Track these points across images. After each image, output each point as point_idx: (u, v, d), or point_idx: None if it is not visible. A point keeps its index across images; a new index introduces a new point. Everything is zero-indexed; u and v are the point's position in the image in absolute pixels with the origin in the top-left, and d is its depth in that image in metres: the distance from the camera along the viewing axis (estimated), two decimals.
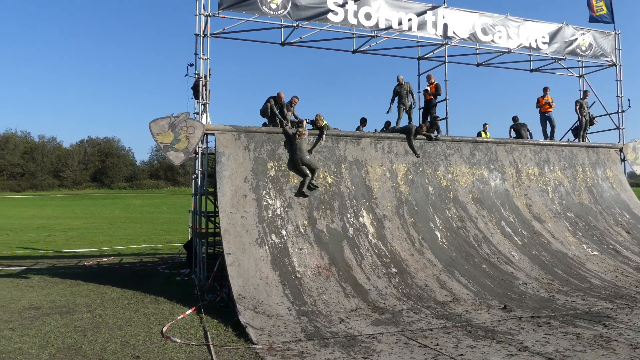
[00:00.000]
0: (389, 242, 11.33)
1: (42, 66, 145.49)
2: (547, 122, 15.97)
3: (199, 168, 12.02)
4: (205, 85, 12.09)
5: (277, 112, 12.41)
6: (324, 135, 12.27)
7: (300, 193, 11.48)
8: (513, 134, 15.80)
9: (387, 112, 14.41)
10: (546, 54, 16.08)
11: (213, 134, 11.54)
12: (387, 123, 15.03)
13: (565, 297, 10.06)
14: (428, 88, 14.96)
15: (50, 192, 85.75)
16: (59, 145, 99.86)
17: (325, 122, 12.51)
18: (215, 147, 11.47)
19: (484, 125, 16.88)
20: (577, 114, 16.37)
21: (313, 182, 11.69)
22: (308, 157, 11.84)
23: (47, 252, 18.69)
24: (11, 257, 17.03)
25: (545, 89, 15.99)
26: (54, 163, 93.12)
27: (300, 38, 13.89)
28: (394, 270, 10.58)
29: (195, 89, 12.26)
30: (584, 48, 16.39)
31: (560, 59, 16.60)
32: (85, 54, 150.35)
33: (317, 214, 11.37)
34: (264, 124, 12.67)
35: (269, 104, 12.40)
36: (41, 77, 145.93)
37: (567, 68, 17.49)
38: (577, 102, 16.51)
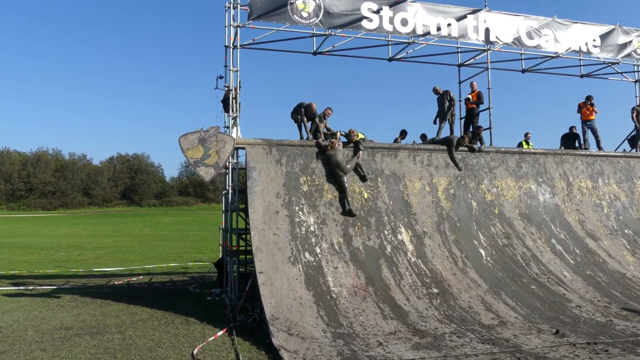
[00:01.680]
0: (430, 261, 11.25)
1: (72, 84, 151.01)
2: (590, 131, 15.54)
3: (230, 184, 12.19)
4: (235, 97, 12.28)
5: (305, 126, 12.49)
6: (360, 152, 12.27)
7: (347, 212, 11.51)
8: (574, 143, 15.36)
9: (434, 122, 14.48)
10: (598, 58, 15.74)
11: (244, 148, 11.67)
12: (423, 136, 14.95)
13: (624, 322, 9.70)
14: (470, 96, 14.83)
15: (81, 210, 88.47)
16: (89, 163, 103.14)
17: (361, 136, 12.49)
18: (246, 162, 11.59)
19: (526, 134, 16.57)
20: (634, 122, 15.90)
21: (366, 176, 11.94)
22: (348, 166, 11.91)
23: (78, 271, 19.20)
24: (43, 276, 17.58)
25: (588, 97, 15.55)
26: (84, 181, 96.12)
27: (333, 47, 14.00)
28: (436, 290, 10.48)
29: (225, 102, 12.48)
30: (639, 51, 15.98)
31: (614, 63, 16.19)
32: (113, 70, 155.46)
33: (353, 231, 11.35)
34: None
35: (298, 116, 12.52)
36: (71, 94, 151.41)
37: (621, 73, 17.03)
38: (633, 109, 16.05)
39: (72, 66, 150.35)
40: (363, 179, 12.15)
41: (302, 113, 12.49)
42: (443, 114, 14.39)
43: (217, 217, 56.68)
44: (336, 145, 11.92)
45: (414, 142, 14.27)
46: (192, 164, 11.22)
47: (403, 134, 15.14)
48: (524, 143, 16.42)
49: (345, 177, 11.86)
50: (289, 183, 11.55)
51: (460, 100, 15.69)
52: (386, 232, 11.59)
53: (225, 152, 11.32)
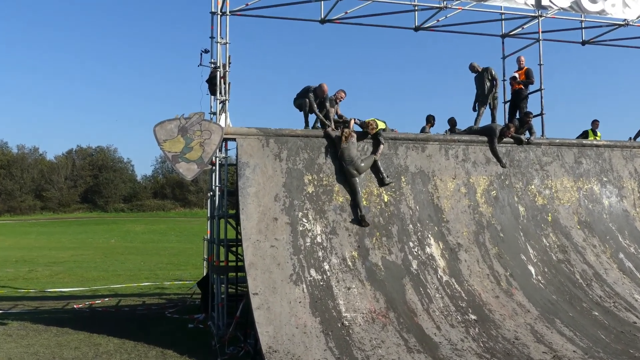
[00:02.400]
0: (466, 280, 11.27)
1: (18, 64, 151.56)
2: None
3: (217, 184, 12.18)
4: (224, 76, 12.27)
5: (316, 111, 12.55)
6: (381, 146, 12.32)
7: (358, 221, 11.56)
8: None
9: (473, 109, 14.49)
10: None
11: (234, 139, 11.68)
12: (452, 121, 14.89)
13: None
14: (516, 75, 14.77)
15: (32, 216, 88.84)
16: (41, 158, 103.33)
17: (381, 125, 12.50)
18: (237, 157, 11.62)
19: (594, 122, 16.48)
20: None
21: (386, 178, 11.98)
22: (363, 164, 11.97)
23: (28, 291, 19.32)
24: None
25: None
26: (35, 180, 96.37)
27: (345, 13, 13.93)
28: (473, 317, 10.48)
29: (211, 82, 12.48)
30: None
31: None
32: (69, 46, 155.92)
33: (370, 243, 11.38)
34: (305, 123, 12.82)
35: (307, 100, 12.54)
36: (18, 76, 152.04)
37: None
38: None
39: (16, 43, 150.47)
40: (381, 182, 12.19)
41: (311, 97, 12.54)
42: (483, 97, 14.37)
43: (200, 225, 56.45)
44: (350, 137, 11.96)
45: (446, 131, 14.28)
46: (170, 159, 11.25)
47: (430, 120, 15.13)
48: (590, 133, 16.33)
49: (358, 178, 11.92)
50: (291, 183, 11.58)
51: (504, 80, 15.66)
52: (411, 244, 11.61)
53: (212, 145, 11.33)
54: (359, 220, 11.60)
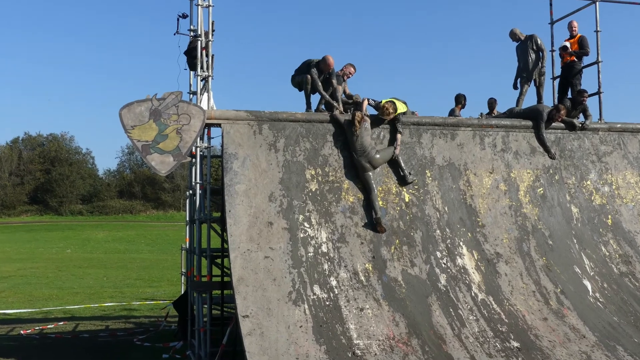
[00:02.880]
0: (507, 299, 11.24)
1: None
2: None
3: (197, 180, 12.13)
4: (206, 47, 12.23)
5: (320, 89, 12.53)
6: (399, 135, 12.31)
7: (373, 224, 11.57)
8: None
9: (514, 87, 14.59)
10: None
11: (219, 126, 11.69)
12: (492, 102, 14.90)
13: None
14: (567, 44, 14.67)
15: None
16: None
17: (401, 108, 12.35)
18: (222, 147, 11.64)
19: None
20: None
21: (407, 175, 12.03)
22: (379, 156, 11.92)
23: None
24: None
25: None
26: None
27: None
28: (516, 344, 10.45)
29: (191, 55, 12.55)
30: None
31: None
32: (14, 15, 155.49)
33: (388, 253, 11.38)
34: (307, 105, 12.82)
35: (308, 76, 12.51)
36: None
37: None
38: None
39: None
40: (402, 180, 12.14)
41: (314, 73, 12.54)
42: (526, 72, 14.33)
43: (177, 231, 56.63)
44: (362, 121, 11.89)
45: (481, 114, 14.23)
46: (140, 149, 11.25)
47: (461, 101, 15.12)
48: None
49: (372, 173, 11.90)
50: (289, 179, 11.60)
51: (552, 50, 15.60)
52: (439, 254, 11.60)
53: (191, 132, 11.34)
54: (373, 224, 11.58)
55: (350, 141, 11.91)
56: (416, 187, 12.23)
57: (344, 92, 13.02)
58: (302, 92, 12.84)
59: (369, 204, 11.76)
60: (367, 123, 11.96)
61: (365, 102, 12.40)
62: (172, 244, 47.84)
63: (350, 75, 13.32)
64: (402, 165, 12.14)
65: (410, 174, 12.15)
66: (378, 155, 11.91)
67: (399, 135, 12.27)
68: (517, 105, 14.18)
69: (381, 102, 12.28)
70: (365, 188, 11.85)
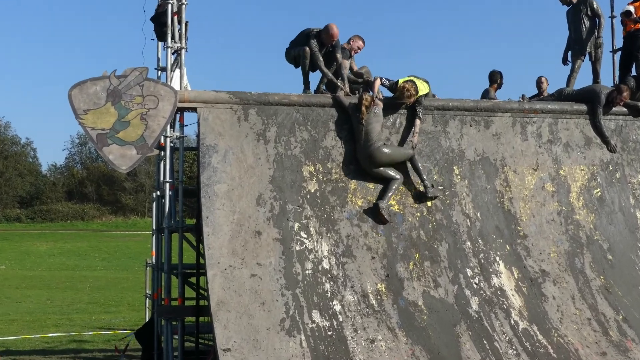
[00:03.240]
0: (555, 328, 11.14)
1: None
2: None
3: (167, 179, 12.10)
4: (178, 13, 12.25)
5: (320, 64, 12.54)
6: (418, 120, 12.23)
7: (377, 214, 11.57)
8: None
9: (563, 62, 14.64)
10: None
11: (195, 110, 11.71)
12: (540, 80, 15.08)
13: None
14: (631, 8, 14.54)
15: None
16: None
17: (423, 89, 12.32)
18: (198, 136, 11.67)
19: None
20: None
21: (428, 188, 11.97)
22: (387, 150, 11.77)
23: None
24: None
25: None
26: None
27: None
28: None
29: (159, 22, 12.52)
30: None
31: None
32: None
33: (405, 270, 11.28)
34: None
35: (307, 49, 12.53)
36: None
37: None
38: None
39: None
40: (425, 192, 11.94)
41: (314, 45, 12.56)
42: (579, 44, 14.38)
43: (141, 242, 56.88)
44: (372, 105, 11.82)
45: (522, 97, 14.16)
46: (95, 139, 11.18)
47: (496, 79, 15.23)
48: None
49: (384, 160, 11.82)
50: (282, 177, 11.58)
51: (612, 17, 15.59)
52: (469, 272, 11.48)
53: (159, 118, 11.32)
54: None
55: (355, 130, 11.91)
56: (441, 187, 12.18)
57: (351, 69, 13.03)
58: (299, 69, 12.88)
59: (384, 190, 11.83)
60: (378, 108, 11.90)
61: (378, 82, 12.32)
62: (134, 258, 48.08)
63: (359, 51, 13.37)
64: (421, 172, 11.99)
65: (432, 186, 12.01)
66: (386, 150, 11.78)
67: (417, 121, 12.18)
68: (567, 85, 14.12)
69: (397, 82, 12.23)
70: (384, 180, 11.86)
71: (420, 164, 11.95)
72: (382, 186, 11.89)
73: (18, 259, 55.33)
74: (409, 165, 11.99)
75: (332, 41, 12.59)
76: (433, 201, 12.07)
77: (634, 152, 13.27)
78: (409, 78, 12.27)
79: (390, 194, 11.68)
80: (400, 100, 12.17)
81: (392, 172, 11.82)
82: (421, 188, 11.95)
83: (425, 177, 11.98)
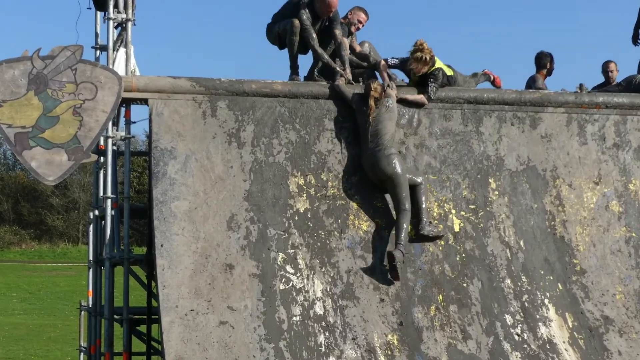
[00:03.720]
0: None
1: None
2: None
3: (109, 193, 12.14)
4: None
5: (312, 42, 12.65)
6: (423, 96, 12.37)
7: (389, 261, 11.45)
8: None
9: (634, 41, 14.82)
10: None
11: (146, 102, 11.76)
12: (608, 67, 15.44)
13: None
14: None
15: None
16: None
17: (438, 64, 12.53)
18: (150, 137, 11.73)
19: None
20: None
21: (424, 225, 11.86)
22: (398, 165, 11.67)
23: None
24: None
25: None
26: None
27: None
28: None
29: None
30: None
31: None
32: None
33: (424, 316, 11.24)
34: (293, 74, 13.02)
35: (295, 22, 12.59)
36: None
37: None
38: None
39: None
40: (420, 229, 11.89)
41: (304, 17, 12.63)
42: None
43: (73, 278, 57.09)
44: (383, 97, 11.87)
45: (580, 86, 13.95)
46: (12, 140, 11.16)
47: (545, 64, 15.41)
48: None
49: (389, 172, 11.75)
50: (261, 192, 11.60)
51: None
52: (509, 320, 11.43)
53: (98, 112, 11.33)
54: (389, 260, 11.51)
55: (360, 129, 11.97)
56: (473, 207, 12.22)
57: (352, 49, 13.11)
58: (285, 51, 13.03)
59: (399, 227, 11.67)
60: (392, 101, 11.98)
61: (384, 65, 12.61)
62: (64, 299, 48.14)
63: (360, 26, 13.51)
64: (423, 206, 12.00)
65: (430, 222, 11.96)
66: (397, 164, 11.72)
67: (421, 97, 12.40)
68: (639, 73, 14.13)
69: (412, 52, 12.40)
70: (394, 195, 11.81)
71: (424, 197, 11.97)
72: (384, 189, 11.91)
73: None
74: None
75: (330, 12, 12.62)
76: (462, 224, 12.10)
77: None
78: (421, 46, 12.37)
79: (403, 227, 11.50)
80: (409, 68, 12.40)
81: (404, 190, 11.65)
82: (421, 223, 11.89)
83: (424, 212, 11.98)
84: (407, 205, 11.69)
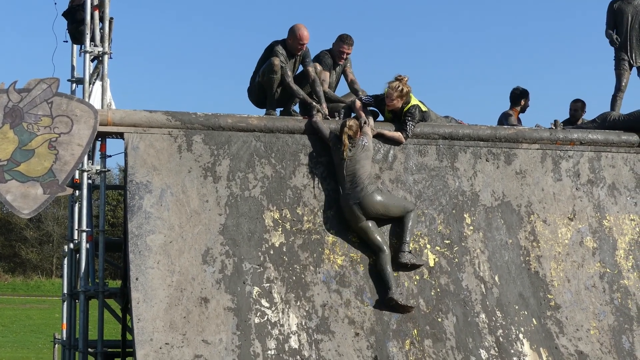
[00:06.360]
0: None
1: None
2: None
3: (83, 227, 12.16)
4: (99, 7, 12.56)
5: (290, 78, 12.81)
6: (400, 134, 12.46)
7: (391, 305, 11.56)
8: None
9: (611, 43, 14.83)
10: None
11: (122, 136, 11.82)
12: (576, 106, 15.40)
13: None
14: None
15: None
16: None
17: (413, 101, 12.63)
18: (126, 171, 11.79)
19: None
20: None
21: (405, 252, 11.83)
22: (379, 198, 11.77)
23: None
24: None
25: None
26: None
27: None
28: None
29: (75, 18, 12.82)
30: None
31: None
32: None
33: (399, 350, 11.30)
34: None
35: (275, 61, 12.69)
36: None
37: None
38: None
39: None
40: (399, 257, 11.89)
41: (280, 53, 12.84)
42: (630, 50, 14.69)
43: (47, 311, 56.55)
44: (359, 135, 12.01)
45: (554, 122, 14.24)
46: None
47: (520, 99, 15.57)
48: None
49: (370, 223, 11.86)
50: (237, 226, 11.67)
51: None
52: (483, 354, 11.54)
53: (74, 146, 11.37)
54: (382, 305, 11.60)
55: (336, 166, 12.03)
56: (447, 242, 12.28)
57: (348, 79, 13.70)
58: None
59: (379, 269, 11.77)
60: (367, 139, 12.04)
61: (358, 103, 12.63)
62: (37, 332, 47.75)
63: (345, 56, 13.75)
64: (408, 232, 12.01)
65: (409, 252, 11.94)
66: (379, 198, 11.81)
67: (398, 134, 12.44)
68: (613, 109, 14.38)
69: (390, 84, 12.50)
70: (368, 244, 11.80)
71: (411, 223, 12.01)
72: (362, 236, 11.91)
73: None
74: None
75: (302, 46, 12.85)
76: (437, 259, 12.13)
77: None
78: (397, 82, 12.49)
79: (388, 273, 11.58)
80: (386, 97, 12.43)
81: (377, 235, 11.78)
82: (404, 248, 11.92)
83: (408, 238, 11.96)
84: (381, 241, 11.88)
